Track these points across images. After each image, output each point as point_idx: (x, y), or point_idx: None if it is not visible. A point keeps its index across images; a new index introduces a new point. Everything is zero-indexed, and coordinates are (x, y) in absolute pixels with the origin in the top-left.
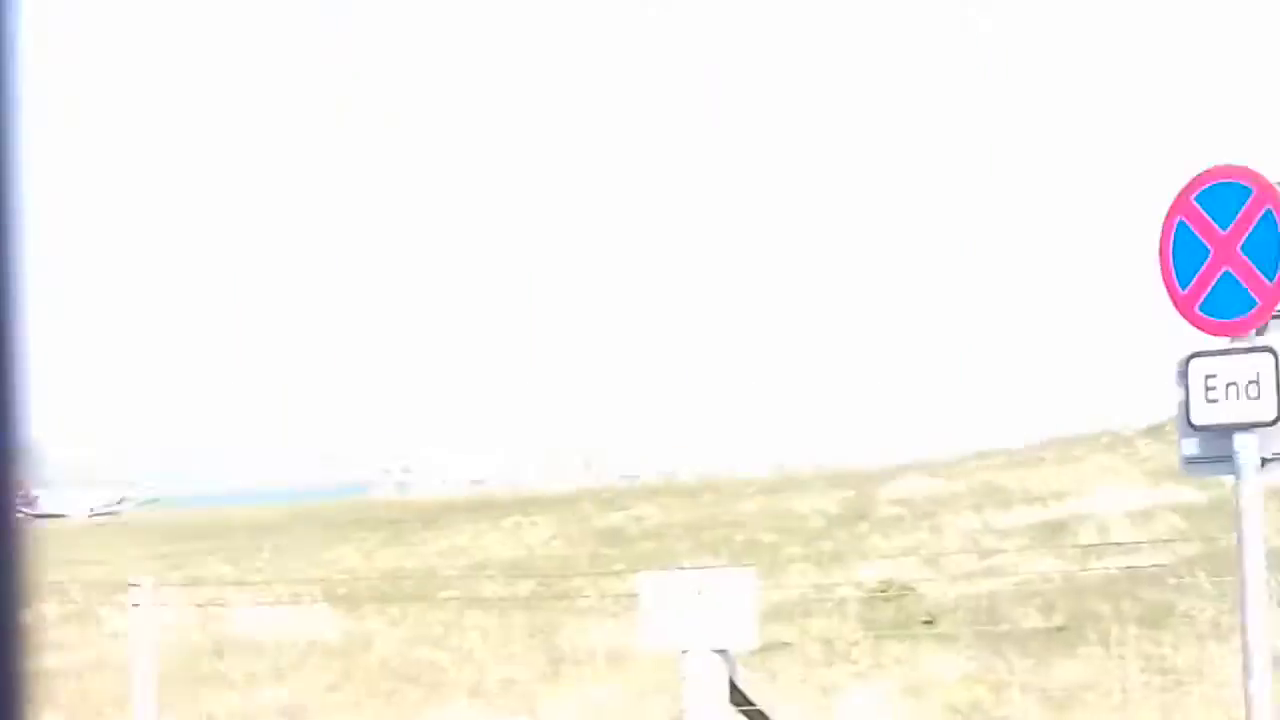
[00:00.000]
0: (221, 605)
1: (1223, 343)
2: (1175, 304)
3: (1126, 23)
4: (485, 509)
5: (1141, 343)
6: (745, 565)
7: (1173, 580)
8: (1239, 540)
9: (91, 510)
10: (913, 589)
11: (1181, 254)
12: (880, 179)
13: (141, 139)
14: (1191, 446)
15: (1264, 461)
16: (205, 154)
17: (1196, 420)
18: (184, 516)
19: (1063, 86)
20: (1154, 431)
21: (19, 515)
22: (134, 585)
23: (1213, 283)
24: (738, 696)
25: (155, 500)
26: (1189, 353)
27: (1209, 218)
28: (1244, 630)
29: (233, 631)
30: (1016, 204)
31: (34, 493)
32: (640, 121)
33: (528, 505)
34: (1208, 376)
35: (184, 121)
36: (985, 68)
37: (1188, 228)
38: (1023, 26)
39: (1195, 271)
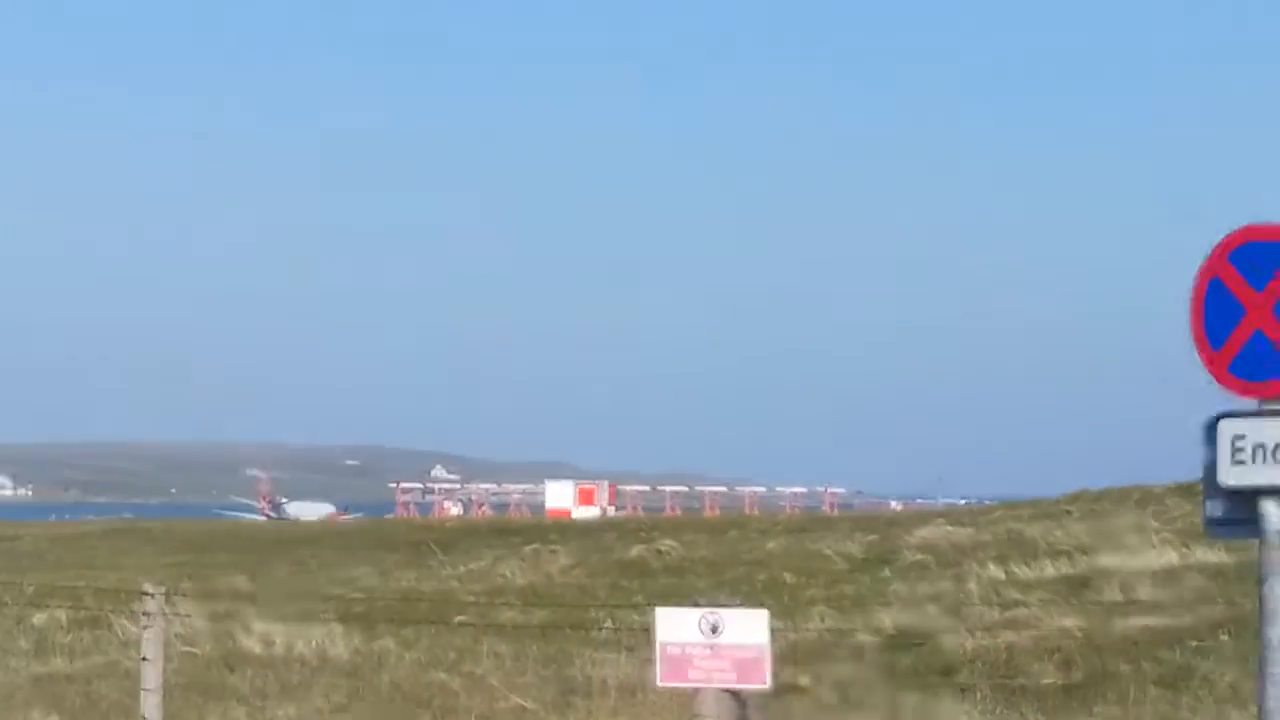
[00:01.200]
0: (234, 618)
1: (1253, 404)
2: (1206, 363)
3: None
4: (505, 534)
5: (1175, 401)
6: (765, 604)
7: (1194, 642)
8: (1260, 605)
9: (325, 515)
10: (932, 637)
11: (1214, 313)
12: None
13: None
14: (1216, 509)
15: None
16: None
17: (1223, 482)
18: (204, 527)
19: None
20: (1184, 490)
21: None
22: (146, 594)
23: (1244, 343)
24: None
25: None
26: (1218, 413)
27: (1243, 277)
28: (1262, 696)
29: (244, 644)
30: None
31: (280, 499)
32: None
33: (549, 533)
34: (1236, 438)
35: None
36: None
37: (1221, 286)
38: None
39: (1228, 331)
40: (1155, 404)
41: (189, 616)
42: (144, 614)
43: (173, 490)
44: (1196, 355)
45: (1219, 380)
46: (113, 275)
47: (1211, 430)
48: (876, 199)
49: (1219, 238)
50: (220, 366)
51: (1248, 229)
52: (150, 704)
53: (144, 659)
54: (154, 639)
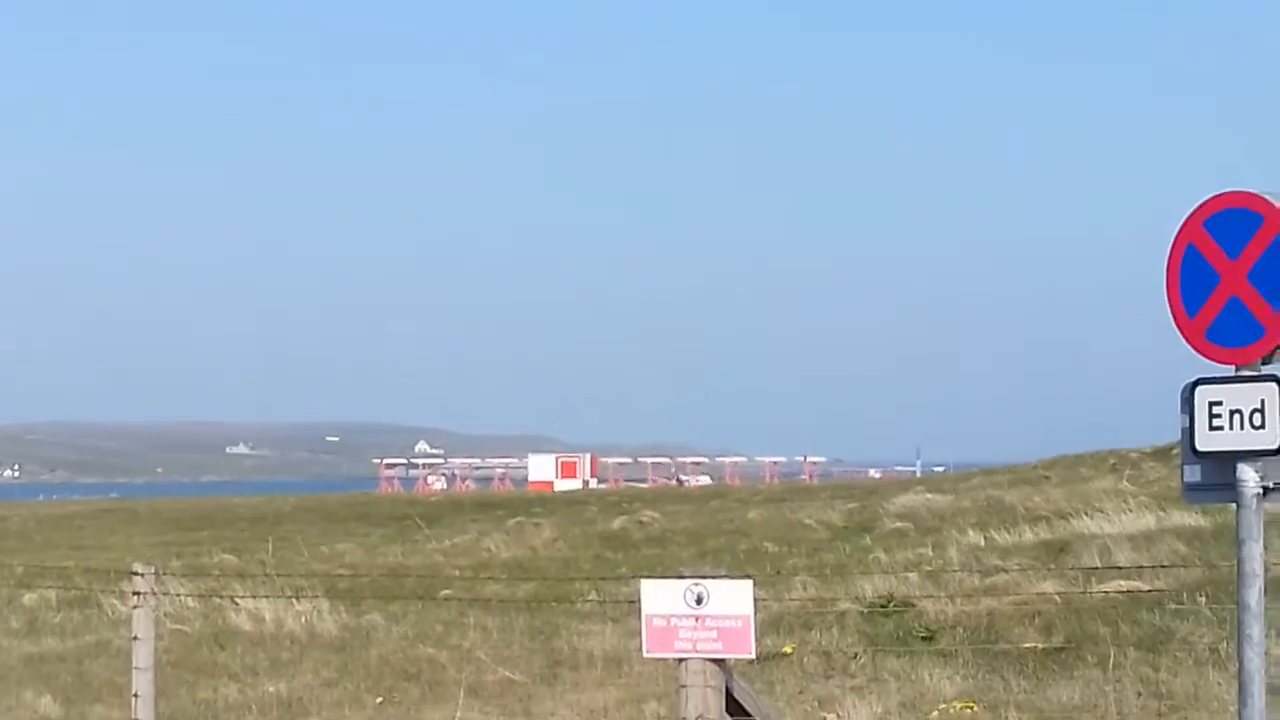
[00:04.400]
0: (223, 596)
1: (1228, 370)
2: (1182, 330)
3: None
4: (489, 508)
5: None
6: (748, 574)
7: (1172, 605)
8: (1238, 568)
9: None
10: (913, 604)
11: (1189, 280)
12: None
13: None
14: (1194, 473)
15: (1265, 490)
16: None
17: (1200, 447)
18: (190, 505)
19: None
20: (1159, 454)
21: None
22: (135, 573)
23: (1220, 310)
24: (734, 706)
25: None
26: (1194, 379)
27: (1218, 244)
28: (1240, 658)
29: (234, 622)
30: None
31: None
32: None
33: (533, 505)
34: (1212, 404)
35: None
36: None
37: (1197, 253)
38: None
39: (1203, 298)
40: (1129, 370)
41: (179, 595)
42: (134, 593)
43: (159, 470)
44: (1172, 322)
45: (1195, 347)
46: (98, 257)
47: (1188, 396)
48: (851, 169)
49: (1194, 205)
50: (204, 346)
51: (1222, 196)
52: (142, 682)
53: (135, 637)
54: (144, 617)
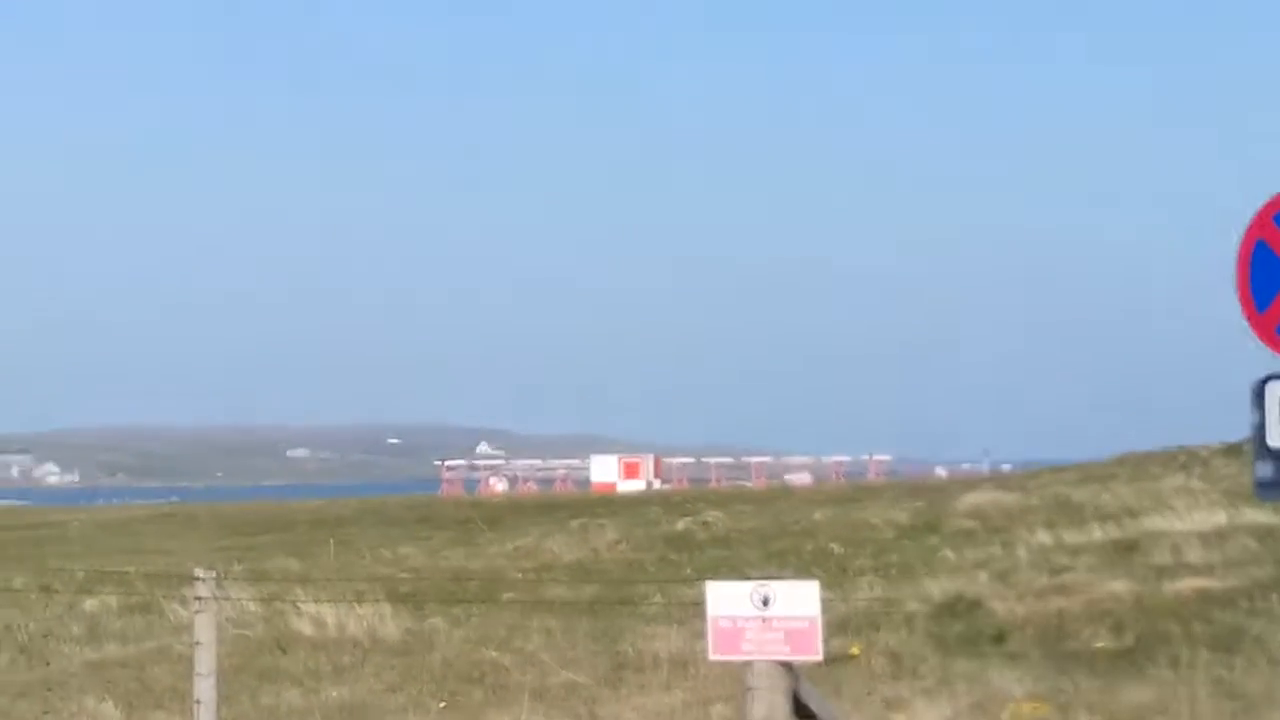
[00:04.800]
0: (285, 600)
1: None
2: (1252, 325)
3: None
4: (552, 510)
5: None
6: (814, 575)
7: (1245, 604)
8: None
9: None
10: (982, 604)
11: (1259, 274)
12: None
13: None
14: (1266, 470)
15: None
16: None
17: (1272, 443)
18: (250, 509)
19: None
20: (1229, 451)
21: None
22: (197, 578)
23: None
24: (801, 709)
25: None
26: (1265, 375)
27: None
28: None
29: (296, 626)
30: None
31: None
32: None
33: (595, 507)
34: None
35: None
36: None
37: (1267, 248)
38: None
39: (1274, 293)
40: (1199, 366)
41: (240, 600)
42: (195, 598)
43: (219, 474)
44: (1242, 316)
45: (1265, 341)
46: (154, 263)
47: (1260, 392)
48: (914, 166)
49: (1265, 199)
50: (264, 349)
51: None
52: (204, 687)
53: (197, 643)
54: (206, 623)
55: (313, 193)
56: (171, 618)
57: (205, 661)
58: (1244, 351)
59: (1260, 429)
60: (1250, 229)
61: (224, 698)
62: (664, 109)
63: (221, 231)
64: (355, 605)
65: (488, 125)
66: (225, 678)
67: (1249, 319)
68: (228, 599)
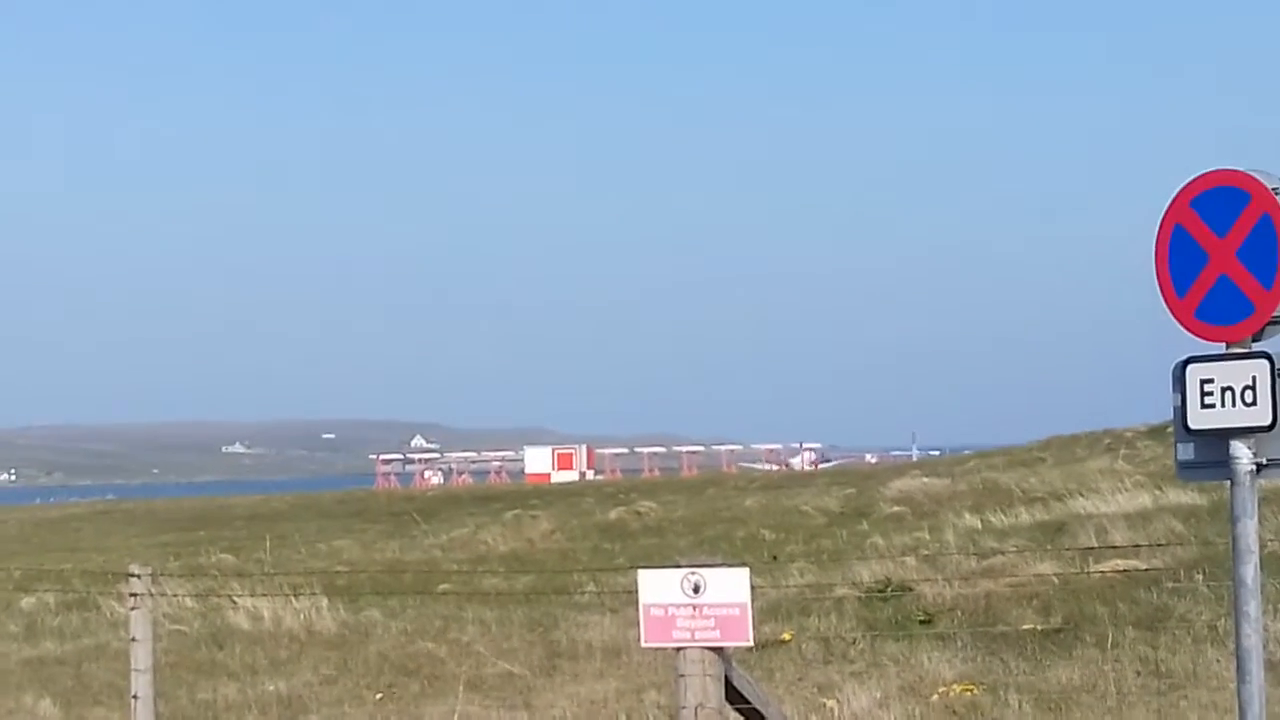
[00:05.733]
0: (221, 595)
1: (1219, 348)
2: (1172, 309)
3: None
4: (487, 501)
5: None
6: (745, 562)
7: (1170, 583)
8: (1233, 545)
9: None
10: (911, 588)
11: (1178, 259)
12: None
13: None
14: (1187, 451)
15: (1259, 467)
16: None
17: (1193, 425)
18: (186, 506)
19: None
20: (1154, 432)
21: None
22: (133, 575)
23: (1209, 288)
24: (733, 694)
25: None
26: (1185, 357)
27: (1205, 224)
28: (1238, 635)
29: (233, 621)
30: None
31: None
32: None
33: (530, 498)
34: (1204, 382)
35: None
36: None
37: (1185, 233)
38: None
39: (1192, 277)
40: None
41: (177, 595)
42: (131, 594)
43: (155, 470)
44: (1162, 301)
45: (1185, 326)
46: (90, 260)
47: (1180, 375)
48: (848, 159)
49: (1180, 184)
50: (198, 346)
51: (1208, 175)
52: (141, 683)
53: (133, 639)
54: (142, 619)
55: (244, 191)
56: (109, 614)
57: (142, 657)
58: (1166, 334)
59: (1181, 411)
60: (1167, 215)
61: (161, 693)
62: (657, 109)
63: (154, 231)
64: (291, 599)
65: (444, 129)
66: (162, 673)
67: (1169, 304)
68: (164, 595)
